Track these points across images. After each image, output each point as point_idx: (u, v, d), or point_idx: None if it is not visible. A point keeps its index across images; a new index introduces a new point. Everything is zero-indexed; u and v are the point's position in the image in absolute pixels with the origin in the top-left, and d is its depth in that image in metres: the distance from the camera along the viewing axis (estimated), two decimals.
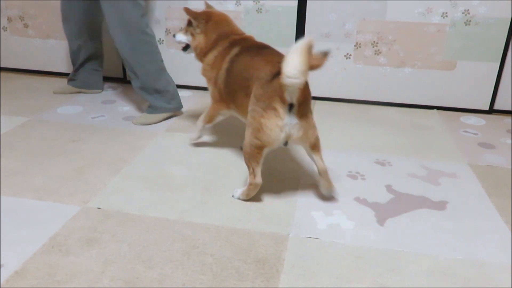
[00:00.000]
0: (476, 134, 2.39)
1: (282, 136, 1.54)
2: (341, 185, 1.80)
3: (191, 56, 2.80)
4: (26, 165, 1.87)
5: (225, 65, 1.81)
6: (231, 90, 1.78)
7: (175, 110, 2.47)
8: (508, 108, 2.72)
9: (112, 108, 2.58)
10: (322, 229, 1.50)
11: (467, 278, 1.30)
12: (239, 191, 1.69)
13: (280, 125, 1.52)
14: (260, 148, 1.56)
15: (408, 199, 1.71)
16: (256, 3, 2.68)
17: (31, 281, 1.23)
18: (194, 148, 2.09)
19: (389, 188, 1.79)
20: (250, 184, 1.63)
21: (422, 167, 1.98)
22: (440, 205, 1.68)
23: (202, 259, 1.34)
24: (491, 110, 2.72)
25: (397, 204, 1.68)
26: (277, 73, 1.49)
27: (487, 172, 1.96)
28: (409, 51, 2.65)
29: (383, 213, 1.62)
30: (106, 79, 2.99)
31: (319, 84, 2.82)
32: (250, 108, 1.59)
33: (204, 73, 1.95)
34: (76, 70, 2.73)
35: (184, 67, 2.91)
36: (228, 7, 2.71)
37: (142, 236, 1.43)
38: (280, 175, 1.87)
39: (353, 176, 1.88)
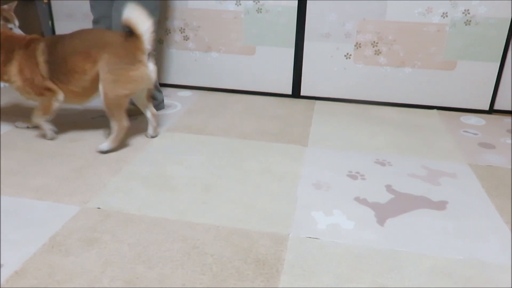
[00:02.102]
0: (476, 134, 2.39)
1: (147, 81, 1.99)
2: (341, 185, 1.80)
3: (190, 56, 2.81)
4: (26, 165, 1.87)
5: (41, 59, 1.99)
6: (62, 73, 1.98)
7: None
8: (508, 108, 2.72)
9: None
10: (322, 229, 1.50)
11: (467, 278, 1.30)
12: (106, 143, 1.99)
13: (147, 73, 1.96)
14: (127, 96, 1.96)
15: (408, 199, 1.71)
16: (256, 3, 2.68)
17: (31, 281, 1.23)
18: (194, 148, 2.09)
19: (389, 188, 1.79)
20: (121, 129, 1.99)
21: (422, 167, 1.98)
22: (440, 205, 1.68)
23: (202, 259, 1.34)
24: (491, 110, 2.72)
25: (397, 204, 1.68)
26: (128, 34, 1.91)
27: (487, 172, 1.96)
28: (409, 51, 2.65)
29: (383, 213, 1.62)
30: None
31: (319, 84, 2.82)
32: (108, 68, 1.92)
33: (16, 84, 2.05)
34: None
35: (184, 67, 2.91)
36: (228, 7, 2.71)
37: (142, 236, 1.44)
38: (280, 175, 1.87)
39: (353, 176, 1.88)
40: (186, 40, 2.83)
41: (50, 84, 2.01)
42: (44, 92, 2.04)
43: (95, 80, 1.96)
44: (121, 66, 1.92)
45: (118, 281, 1.24)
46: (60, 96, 2.04)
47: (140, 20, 1.89)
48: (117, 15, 2.32)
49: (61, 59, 1.97)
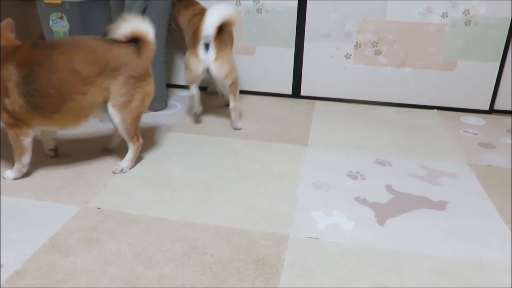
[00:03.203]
0: (476, 134, 2.39)
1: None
2: (341, 185, 1.80)
3: None
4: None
5: (11, 84, 1.60)
6: (47, 103, 1.63)
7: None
8: (508, 108, 2.72)
9: None
10: (322, 229, 1.50)
11: (467, 278, 1.30)
12: (125, 163, 1.85)
13: (153, 84, 1.85)
14: (142, 113, 1.85)
15: (408, 199, 1.71)
16: (256, 3, 2.68)
17: (31, 281, 1.23)
18: (194, 148, 2.09)
19: (389, 188, 1.79)
20: (138, 147, 1.88)
21: (422, 167, 1.98)
22: (440, 205, 1.68)
23: (202, 259, 1.34)
24: (491, 110, 2.72)
25: (397, 204, 1.68)
26: (137, 48, 1.74)
27: (487, 172, 1.96)
28: (409, 51, 2.65)
29: (383, 213, 1.62)
30: None
31: (319, 84, 2.82)
32: (124, 91, 1.73)
33: None
34: None
35: (183, 67, 2.91)
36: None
37: (142, 236, 1.44)
38: (280, 175, 1.87)
39: (353, 176, 1.88)
40: None
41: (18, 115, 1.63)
42: (11, 124, 1.66)
43: (95, 106, 1.73)
44: (138, 85, 1.75)
45: (118, 281, 1.24)
46: (30, 132, 1.70)
47: (148, 28, 1.74)
48: (149, 16, 2.35)
49: (47, 83, 1.61)
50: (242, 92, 2.90)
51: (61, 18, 2.95)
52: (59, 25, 2.98)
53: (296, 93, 2.86)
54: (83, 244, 1.38)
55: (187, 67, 2.21)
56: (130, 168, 1.87)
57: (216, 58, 2.12)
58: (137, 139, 1.86)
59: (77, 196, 1.66)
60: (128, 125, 1.79)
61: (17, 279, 1.23)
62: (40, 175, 1.80)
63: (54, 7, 2.95)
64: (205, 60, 2.13)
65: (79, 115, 1.73)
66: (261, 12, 2.69)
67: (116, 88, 1.72)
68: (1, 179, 1.75)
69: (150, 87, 1.81)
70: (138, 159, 1.95)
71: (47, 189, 1.69)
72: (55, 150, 1.97)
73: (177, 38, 2.84)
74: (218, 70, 2.15)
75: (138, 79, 1.75)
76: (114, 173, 1.82)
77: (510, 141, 2.31)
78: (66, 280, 1.24)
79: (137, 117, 1.82)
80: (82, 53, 1.66)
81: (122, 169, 1.84)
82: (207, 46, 2.11)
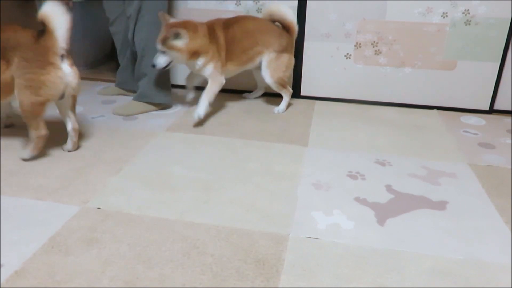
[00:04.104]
0: (476, 134, 2.39)
1: (62, 86, 1.78)
2: (341, 185, 1.80)
3: None
4: (26, 165, 1.87)
5: None
6: None
7: (165, 104, 2.58)
8: (508, 108, 2.72)
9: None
10: (322, 229, 1.50)
11: (467, 278, 1.30)
12: (27, 152, 1.85)
13: (61, 76, 1.75)
14: (43, 104, 1.78)
15: (408, 199, 1.71)
16: (256, 3, 2.68)
17: (31, 281, 1.23)
18: (194, 148, 2.09)
19: (389, 188, 1.79)
20: (39, 138, 1.83)
21: (422, 167, 1.98)
22: (440, 205, 1.69)
23: (202, 259, 1.34)
24: (491, 110, 2.72)
25: (397, 204, 1.68)
26: (39, 33, 1.70)
27: (487, 172, 1.96)
28: (409, 51, 2.65)
29: (383, 213, 1.62)
30: (108, 80, 2.99)
31: (319, 84, 2.82)
32: (20, 73, 1.72)
33: None
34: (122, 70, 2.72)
35: (184, 67, 2.90)
36: (228, 7, 2.71)
37: (142, 236, 1.44)
38: (280, 175, 1.87)
39: (353, 176, 1.88)
40: None
41: None
42: None
43: (9, 84, 1.77)
44: (31, 70, 1.71)
45: (118, 281, 1.24)
46: None
47: (54, 14, 1.67)
48: (145, 13, 2.35)
49: None
50: (242, 92, 2.90)
51: None
52: None
53: (296, 93, 2.86)
54: (83, 244, 1.38)
55: (291, 67, 2.58)
56: (31, 157, 1.86)
57: None
58: (37, 129, 1.80)
59: (77, 196, 1.66)
60: (24, 109, 1.76)
61: (17, 279, 1.23)
62: (40, 175, 1.80)
63: None
64: None
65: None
66: (261, 12, 2.69)
67: (14, 69, 1.73)
68: (1, 178, 1.76)
69: (48, 77, 1.72)
70: (138, 159, 1.95)
71: (47, 189, 1.69)
72: (9, 125, 2.16)
73: None
74: None
75: (32, 63, 1.70)
76: (22, 158, 1.85)
77: (510, 141, 2.31)
78: (66, 280, 1.24)
79: (34, 105, 1.76)
80: None
81: (24, 156, 1.86)
82: None
